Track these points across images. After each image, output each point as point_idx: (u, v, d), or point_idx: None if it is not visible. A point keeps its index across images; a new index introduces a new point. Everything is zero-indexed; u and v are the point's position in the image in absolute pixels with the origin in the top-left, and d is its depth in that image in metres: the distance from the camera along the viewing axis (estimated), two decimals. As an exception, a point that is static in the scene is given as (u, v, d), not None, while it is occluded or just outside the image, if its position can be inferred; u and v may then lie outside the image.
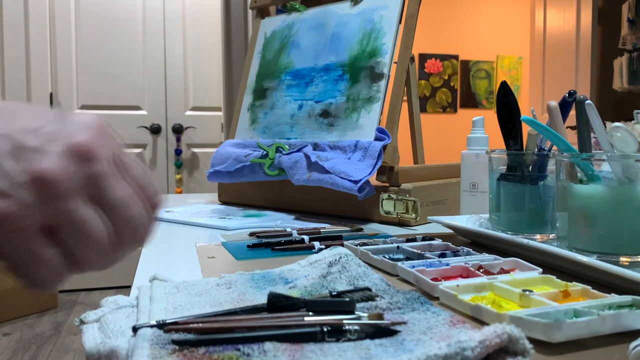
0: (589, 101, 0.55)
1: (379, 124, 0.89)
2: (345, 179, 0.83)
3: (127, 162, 0.30)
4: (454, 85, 4.84)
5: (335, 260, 0.50)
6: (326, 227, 0.78)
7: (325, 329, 0.33)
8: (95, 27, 3.07)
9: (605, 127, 0.55)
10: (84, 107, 3.16)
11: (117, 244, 0.30)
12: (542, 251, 0.53)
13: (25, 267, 0.27)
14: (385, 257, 0.55)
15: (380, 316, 0.37)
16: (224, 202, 1.13)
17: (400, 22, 0.94)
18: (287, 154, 0.94)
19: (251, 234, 0.75)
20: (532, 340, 0.31)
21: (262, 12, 1.20)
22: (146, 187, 0.31)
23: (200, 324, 0.35)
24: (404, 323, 0.36)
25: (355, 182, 0.82)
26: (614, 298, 0.39)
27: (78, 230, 0.28)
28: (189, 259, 0.62)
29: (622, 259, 0.51)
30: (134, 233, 0.30)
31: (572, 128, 0.64)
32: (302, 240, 0.67)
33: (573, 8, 3.44)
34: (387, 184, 0.87)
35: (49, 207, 0.27)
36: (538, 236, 0.62)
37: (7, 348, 2.27)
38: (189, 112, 3.37)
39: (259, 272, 0.50)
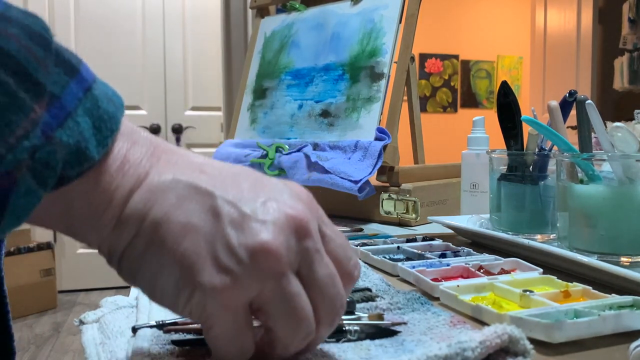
0: (589, 101, 0.55)
1: (379, 124, 0.89)
2: (346, 179, 0.83)
3: (329, 235, 0.29)
4: (454, 85, 4.84)
5: (335, 260, 0.50)
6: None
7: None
8: (95, 27, 3.07)
9: (606, 127, 0.55)
10: (84, 107, 3.15)
11: (316, 325, 0.27)
12: (542, 251, 0.53)
13: (223, 340, 0.26)
14: (385, 258, 0.55)
15: (380, 316, 0.37)
16: (224, 202, 1.12)
17: (400, 22, 0.94)
18: (287, 154, 0.94)
19: (251, 234, 0.74)
20: (532, 341, 0.31)
21: (262, 12, 1.20)
22: (345, 262, 0.29)
23: (199, 325, 0.35)
24: (404, 323, 0.36)
25: (356, 182, 0.82)
26: (615, 298, 0.39)
27: (287, 308, 0.26)
28: (189, 259, 0.62)
29: (623, 259, 0.51)
30: (334, 314, 0.28)
31: (572, 128, 0.64)
32: (302, 240, 0.67)
33: (573, 8, 3.44)
34: (387, 184, 0.87)
35: (266, 282, 0.25)
36: (539, 236, 0.62)
37: (7, 348, 2.27)
38: (188, 112, 3.38)
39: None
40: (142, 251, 0.26)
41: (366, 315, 0.36)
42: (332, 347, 0.33)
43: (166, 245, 0.25)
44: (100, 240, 0.27)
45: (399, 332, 0.35)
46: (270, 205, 0.27)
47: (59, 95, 0.23)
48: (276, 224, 0.26)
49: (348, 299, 0.38)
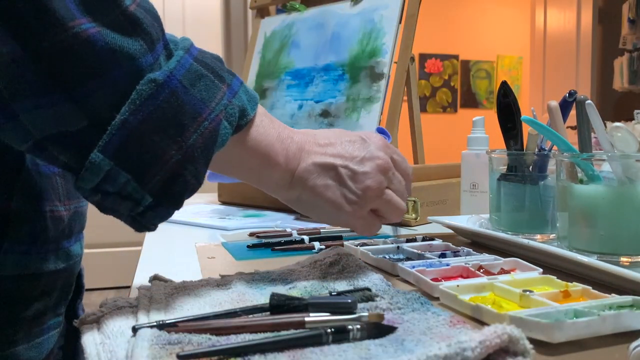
0: (589, 101, 0.55)
1: (379, 124, 0.89)
2: (345, 179, 0.83)
3: (396, 159, 0.51)
4: (454, 85, 4.84)
5: (335, 260, 0.50)
6: (326, 227, 0.77)
7: (329, 330, 0.33)
8: (95, 27, 3.08)
9: (606, 127, 0.55)
10: (84, 107, 3.15)
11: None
12: (542, 251, 0.53)
13: (363, 230, 0.50)
14: (385, 258, 0.55)
15: (380, 316, 0.37)
16: (224, 202, 1.13)
17: (400, 22, 0.94)
18: (287, 154, 0.94)
19: (251, 234, 0.75)
20: (532, 341, 0.31)
21: (262, 12, 1.20)
22: (407, 171, 0.52)
23: (200, 325, 0.35)
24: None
25: (355, 182, 0.82)
26: (615, 298, 0.39)
27: (391, 206, 0.49)
28: (189, 259, 0.62)
29: (623, 259, 0.51)
30: (405, 198, 0.52)
31: (572, 128, 0.64)
32: (302, 241, 0.67)
33: (573, 8, 3.45)
34: (387, 184, 0.87)
35: (374, 202, 0.48)
36: (538, 236, 0.62)
37: (7, 348, 2.27)
38: (189, 112, 3.37)
39: (259, 272, 0.50)
40: (306, 199, 0.48)
41: (366, 315, 0.36)
42: (332, 347, 0.33)
43: (321, 196, 0.47)
44: (278, 194, 0.49)
45: (396, 328, 0.35)
46: (366, 162, 0.48)
47: (230, 83, 0.42)
48: (371, 172, 0.48)
49: (348, 299, 0.38)
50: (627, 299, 0.39)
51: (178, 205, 0.40)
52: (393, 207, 0.50)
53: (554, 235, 0.61)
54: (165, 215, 0.40)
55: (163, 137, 0.36)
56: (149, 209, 0.38)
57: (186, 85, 0.37)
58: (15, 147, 0.36)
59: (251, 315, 0.38)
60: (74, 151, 0.36)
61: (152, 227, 0.41)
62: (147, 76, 0.36)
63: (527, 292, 0.40)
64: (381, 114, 0.90)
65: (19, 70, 0.33)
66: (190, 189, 0.39)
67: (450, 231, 0.73)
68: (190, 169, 0.38)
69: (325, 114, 0.97)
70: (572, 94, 0.62)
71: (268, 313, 0.38)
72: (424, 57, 4.71)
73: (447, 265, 0.50)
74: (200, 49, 0.43)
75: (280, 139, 0.46)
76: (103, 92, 0.35)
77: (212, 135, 0.39)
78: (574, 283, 0.43)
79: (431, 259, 0.53)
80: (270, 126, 0.46)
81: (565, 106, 0.62)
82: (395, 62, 0.92)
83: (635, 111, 1.06)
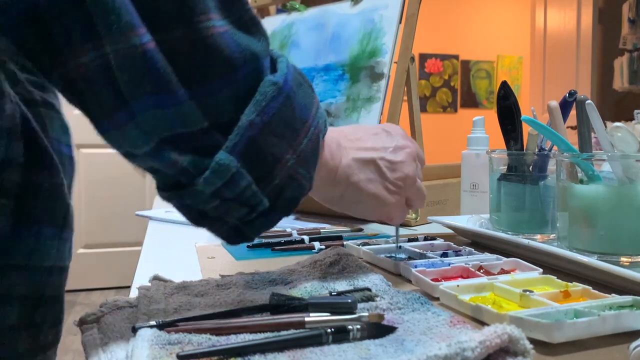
0: (589, 101, 0.55)
1: (379, 124, 0.89)
2: (346, 179, 0.83)
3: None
4: (454, 85, 4.84)
5: (335, 260, 0.50)
6: (326, 228, 0.77)
7: (329, 330, 0.33)
8: (96, 27, 3.08)
9: (606, 127, 0.55)
10: (84, 107, 3.15)
11: None
12: (542, 251, 0.53)
13: (399, 220, 0.52)
14: (387, 257, 0.55)
15: (380, 316, 0.37)
16: (224, 202, 1.12)
17: (400, 22, 0.94)
18: (287, 154, 0.94)
19: (251, 234, 0.74)
20: (532, 341, 0.31)
21: (262, 12, 1.20)
22: (422, 157, 0.53)
23: (200, 325, 0.35)
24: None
25: (356, 182, 0.82)
26: (615, 298, 0.39)
27: (420, 193, 0.52)
28: (189, 259, 0.62)
29: (623, 259, 0.51)
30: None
31: (572, 128, 0.64)
32: (302, 241, 0.67)
33: (573, 8, 3.45)
34: (387, 184, 0.86)
35: (411, 189, 0.50)
36: (538, 236, 0.62)
37: (7, 348, 2.27)
38: (189, 112, 3.37)
39: (259, 272, 0.50)
40: (350, 195, 0.47)
41: (366, 315, 0.36)
42: (332, 347, 0.33)
43: (365, 191, 0.47)
44: (320, 193, 0.47)
45: (396, 328, 0.35)
46: (399, 151, 0.49)
47: (311, 121, 0.40)
48: (406, 160, 0.49)
49: (348, 299, 0.38)
50: (627, 299, 0.39)
51: (290, 210, 0.40)
52: (421, 193, 0.52)
53: (554, 235, 0.61)
54: (273, 222, 0.39)
55: (281, 141, 0.36)
56: (261, 215, 0.38)
57: (295, 90, 0.38)
58: (136, 152, 0.35)
59: (251, 315, 0.38)
60: (194, 153, 0.34)
61: (253, 238, 0.40)
62: (267, 78, 0.36)
63: (527, 292, 0.40)
64: (381, 114, 0.90)
65: (147, 64, 0.31)
66: (304, 192, 0.40)
67: (451, 231, 0.73)
68: (304, 173, 0.39)
69: (325, 114, 0.97)
70: (572, 94, 0.62)
71: (268, 313, 0.38)
72: (424, 57, 4.71)
73: (449, 264, 0.50)
74: None
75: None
76: (227, 92, 0.34)
77: (317, 141, 0.40)
78: (574, 283, 0.43)
79: (433, 258, 0.53)
80: None
81: (565, 106, 0.62)
82: (395, 62, 0.92)
83: (635, 111, 1.05)
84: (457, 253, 0.57)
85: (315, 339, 0.33)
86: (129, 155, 0.35)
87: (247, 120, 0.34)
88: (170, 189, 0.37)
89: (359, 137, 0.49)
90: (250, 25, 0.35)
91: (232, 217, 0.37)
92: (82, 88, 0.32)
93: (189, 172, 0.35)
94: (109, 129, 0.33)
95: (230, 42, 0.33)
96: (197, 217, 0.38)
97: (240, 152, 0.34)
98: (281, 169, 0.37)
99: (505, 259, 0.52)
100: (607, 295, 0.41)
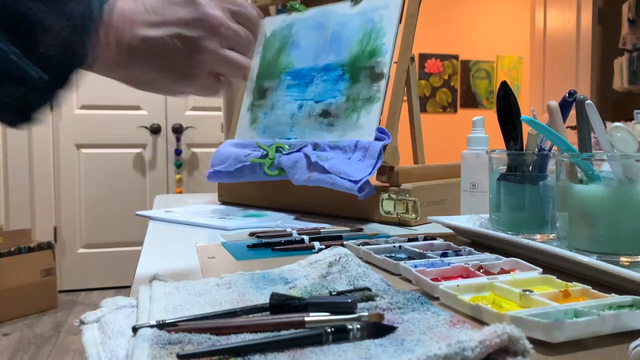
0: (589, 101, 0.55)
1: (379, 124, 0.89)
2: (346, 179, 0.83)
3: (234, 10, 0.47)
4: (454, 85, 4.84)
5: (335, 260, 0.50)
6: (326, 227, 0.78)
7: (329, 330, 0.33)
8: (95, 27, 3.07)
9: (606, 127, 0.55)
10: (83, 107, 3.15)
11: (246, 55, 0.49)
12: (542, 251, 0.53)
13: (204, 94, 0.48)
14: (387, 257, 0.55)
15: (380, 316, 0.37)
16: (224, 202, 1.13)
17: (400, 22, 0.94)
18: (287, 154, 0.94)
19: (251, 234, 0.75)
20: (532, 341, 0.31)
21: (262, 12, 1.20)
22: (249, 17, 0.48)
23: (200, 324, 0.35)
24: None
25: (356, 182, 0.82)
26: (614, 298, 0.39)
27: (230, 65, 0.47)
28: (189, 259, 0.62)
29: (622, 259, 0.51)
30: (248, 49, 0.49)
31: (572, 128, 0.64)
32: (302, 241, 0.67)
33: (573, 8, 3.44)
34: (387, 184, 0.87)
35: (211, 67, 0.45)
36: (538, 236, 0.62)
37: (7, 348, 2.27)
38: (188, 112, 3.38)
39: (259, 272, 0.50)
40: (145, 77, 0.45)
41: (366, 314, 0.36)
42: (332, 347, 0.33)
43: (155, 74, 0.45)
44: (112, 73, 0.46)
45: (396, 328, 0.35)
46: (197, 25, 0.45)
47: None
48: (205, 35, 0.45)
49: (348, 299, 0.38)
50: (627, 298, 0.39)
51: (67, 81, 0.38)
52: (233, 65, 0.47)
53: (554, 235, 0.61)
54: (51, 96, 0.38)
55: (46, 5, 0.35)
56: (41, 90, 0.36)
57: None
58: None
59: (251, 315, 0.38)
60: None
61: (34, 116, 0.38)
62: None
63: (527, 292, 0.40)
64: (381, 114, 0.90)
65: None
66: (81, 63, 0.38)
67: (450, 231, 0.73)
68: (77, 40, 0.37)
69: (325, 114, 0.97)
70: (572, 94, 0.62)
71: (268, 313, 0.38)
72: (424, 57, 4.71)
73: (449, 264, 0.50)
74: None
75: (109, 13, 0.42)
76: None
77: (89, 5, 0.37)
78: (574, 283, 0.43)
79: (433, 258, 0.54)
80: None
81: (565, 106, 0.62)
82: (395, 62, 0.92)
83: (635, 111, 1.06)
84: (457, 253, 0.57)
85: (315, 339, 0.33)
86: None
87: None
88: None
89: (154, 8, 0.44)
90: None
91: (10, 97, 0.36)
92: None
93: None
94: None
95: None
96: None
97: (1, 23, 0.33)
98: (49, 37, 0.35)
99: (505, 258, 0.52)
100: (606, 295, 0.41)
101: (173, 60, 0.44)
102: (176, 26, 0.44)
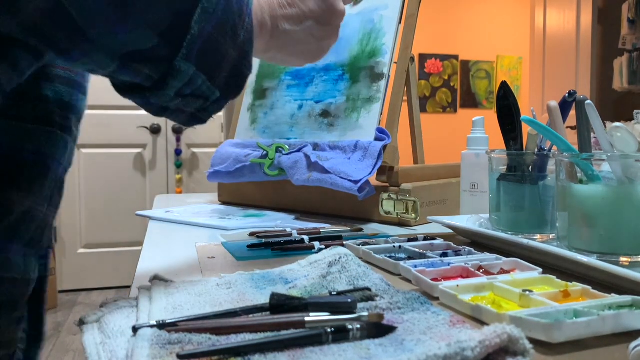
0: (589, 101, 0.55)
1: (379, 124, 0.89)
2: (346, 179, 0.83)
3: None
4: (454, 85, 4.84)
5: (335, 260, 0.50)
6: (326, 227, 0.78)
7: (329, 330, 0.33)
8: (95, 27, 3.07)
9: (605, 127, 0.55)
10: (84, 107, 3.15)
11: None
12: (542, 251, 0.53)
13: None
14: (387, 257, 0.55)
15: (380, 316, 0.37)
16: (224, 202, 1.13)
17: (400, 22, 0.94)
18: (287, 154, 0.94)
19: (251, 234, 0.75)
20: (532, 341, 0.31)
21: None
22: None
23: (200, 324, 0.35)
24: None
25: (355, 182, 0.82)
26: (614, 298, 0.39)
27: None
28: (189, 259, 0.62)
29: (622, 259, 0.51)
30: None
31: (572, 128, 0.64)
32: (302, 241, 0.67)
33: (573, 8, 3.44)
34: (387, 184, 0.87)
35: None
36: (538, 236, 0.62)
37: (7, 348, 2.27)
38: (189, 112, 3.37)
39: (258, 272, 0.50)
40: (280, 56, 0.54)
41: (366, 314, 0.36)
42: (332, 347, 0.33)
43: (292, 54, 0.55)
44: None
45: (396, 328, 0.35)
46: (326, 23, 0.54)
47: (244, 9, 0.43)
48: (333, 26, 0.56)
49: (348, 299, 0.38)
50: (627, 299, 0.39)
51: (237, 94, 0.46)
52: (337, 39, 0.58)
53: (554, 235, 0.61)
54: (222, 106, 0.46)
55: (226, 39, 0.41)
56: (214, 102, 0.45)
57: None
58: (106, 72, 0.40)
59: (251, 315, 0.38)
60: (153, 62, 0.39)
61: (206, 120, 0.47)
62: None
63: (527, 292, 0.40)
64: (381, 114, 0.90)
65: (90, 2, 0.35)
66: (247, 77, 0.46)
67: (450, 231, 0.73)
68: (244, 63, 0.44)
69: (325, 114, 0.97)
70: (571, 94, 0.62)
71: (268, 313, 0.39)
72: (424, 57, 4.71)
73: (449, 264, 0.50)
74: None
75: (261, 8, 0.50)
76: (167, 10, 0.38)
77: (251, 29, 0.44)
78: (574, 283, 0.43)
79: (433, 258, 0.54)
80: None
81: (565, 106, 0.62)
82: (395, 62, 0.92)
83: (635, 111, 1.06)
84: (457, 253, 0.57)
85: (315, 339, 0.33)
86: (108, 75, 0.41)
87: (198, 28, 0.39)
88: (133, 91, 0.42)
89: (290, 9, 0.51)
90: None
91: (190, 108, 0.45)
92: (44, 28, 0.35)
93: (152, 78, 0.40)
94: (79, 57, 0.38)
95: None
96: (159, 110, 0.45)
97: (195, 57, 0.40)
98: (227, 64, 0.43)
99: (504, 258, 0.52)
100: (606, 295, 0.41)
101: (306, 47, 0.54)
102: (310, 19, 0.52)
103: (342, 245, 0.63)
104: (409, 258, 0.56)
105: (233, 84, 0.45)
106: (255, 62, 1.15)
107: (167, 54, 0.39)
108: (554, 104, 0.59)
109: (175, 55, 0.39)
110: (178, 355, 0.31)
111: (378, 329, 0.35)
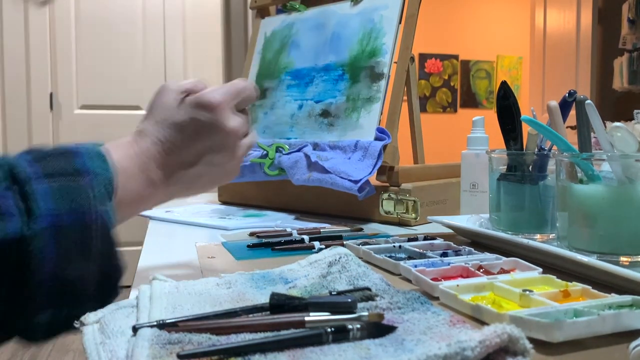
0: (589, 101, 0.55)
1: (379, 124, 0.89)
2: (345, 178, 0.83)
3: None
4: (454, 85, 4.84)
5: (335, 260, 0.50)
6: (326, 227, 0.78)
7: (329, 329, 0.33)
8: (95, 27, 3.07)
9: (605, 127, 0.55)
10: (83, 106, 3.15)
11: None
12: (542, 251, 0.53)
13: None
14: (387, 257, 0.55)
15: (380, 316, 0.37)
16: (224, 202, 1.13)
17: (400, 22, 0.94)
18: (287, 153, 0.94)
19: (251, 234, 0.75)
20: (532, 340, 0.31)
21: (262, 12, 1.20)
22: (248, 99, 0.53)
23: (200, 324, 0.35)
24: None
25: (355, 182, 0.82)
26: (614, 298, 0.39)
27: (245, 148, 0.53)
28: (189, 259, 0.62)
29: (622, 258, 0.51)
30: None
31: (572, 128, 0.64)
32: (302, 240, 0.67)
33: (573, 8, 3.44)
34: (387, 184, 0.87)
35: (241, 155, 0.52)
36: (538, 236, 0.62)
37: (7, 348, 2.27)
38: (189, 112, 3.37)
39: (258, 272, 0.50)
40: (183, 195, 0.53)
41: (366, 314, 0.36)
42: (332, 347, 0.33)
43: (197, 192, 0.54)
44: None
45: (396, 327, 0.35)
46: (222, 150, 0.51)
47: (82, 168, 0.40)
48: (229, 152, 0.52)
49: (348, 299, 0.38)
50: (627, 298, 0.39)
51: (116, 296, 0.42)
52: (249, 150, 0.55)
53: (554, 235, 0.61)
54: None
55: (78, 263, 0.38)
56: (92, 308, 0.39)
57: (60, 211, 0.37)
58: None
59: (251, 315, 0.38)
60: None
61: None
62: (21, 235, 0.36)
63: (527, 292, 0.40)
64: (381, 114, 0.90)
65: None
66: (120, 276, 0.42)
67: (450, 231, 0.73)
68: (110, 266, 0.40)
69: (325, 114, 0.97)
70: (572, 94, 0.62)
71: (268, 313, 0.39)
72: (424, 57, 4.71)
73: (449, 264, 0.50)
74: (39, 155, 0.40)
75: (142, 173, 0.47)
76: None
77: (106, 227, 0.39)
78: (574, 283, 0.43)
79: (433, 257, 0.54)
80: (128, 166, 0.46)
81: (565, 106, 0.62)
82: (395, 62, 0.92)
83: (635, 111, 1.05)
84: (457, 253, 0.57)
85: (315, 339, 0.33)
86: None
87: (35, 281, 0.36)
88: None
89: (171, 140, 0.48)
90: None
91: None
92: None
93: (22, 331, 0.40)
94: None
95: None
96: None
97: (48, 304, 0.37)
98: (88, 282, 0.39)
99: (504, 258, 0.52)
100: (606, 294, 0.41)
101: (212, 176, 0.51)
102: (205, 154, 0.49)
103: (342, 245, 0.63)
104: (409, 258, 0.56)
105: (108, 288, 0.41)
106: (255, 62, 1.15)
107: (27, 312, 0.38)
108: (554, 103, 0.59)
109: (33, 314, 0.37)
110: (178, 355, 0.31)
111: (378, 329, 0.35)
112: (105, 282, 0.40)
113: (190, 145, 0.48)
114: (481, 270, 0.49)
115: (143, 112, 0.55)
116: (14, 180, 0.37)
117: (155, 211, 0.97)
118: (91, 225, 0.38)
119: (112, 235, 0.40)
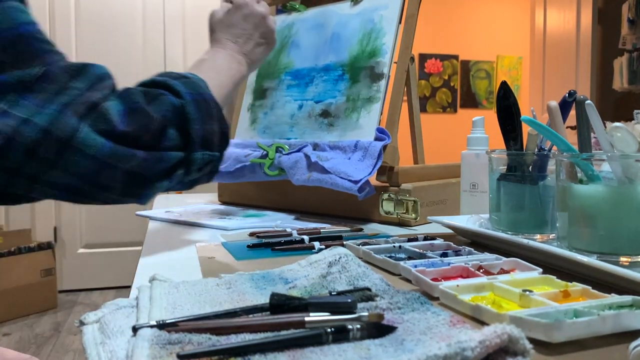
0: (589, 101, 0.55)
1: (379, 124, 0.89)
2: (345, 179, 0.83)
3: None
4: (454, 85, 4.84)
5: (335, 260, 0.50)
6: (326, 227, 0.78)
7: (329, 330, 0.33)
8: (95, 27, 3.07)
9: (605, 127, 0.55)
10: (84, 107, 3.15)
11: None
12: (542, 251, 0.53)
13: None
14: (387, 257, 0.55)
15: (380, 316, 0.37)
16: (224, 202, 1.13)
17: (400, 22, 0.94)
18: (287, 154, 0.94)
19: (251, 234, 0.75)
20: (532, 340, 0.31)
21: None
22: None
23: (200, 324, 0.35)
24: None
25: (355, 182, 0.82)
26: (614, 298, 0.39)
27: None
28: (189, 259, 0.62)
29: (622, 259, 0.51)
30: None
31: (572, 128, 0.64)
32: (302, 241, 0.67)
33: (573, 8, 3.44)
34: (387, 184, 0.87)
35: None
36: (538, 236, 0.62)
37: (7, 348, 2.27)
38: (189, 112, 3.37)
39: (258, 272, 0.50)
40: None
41: (366, 314, 0.36)
42: (332, 347, 0.33)
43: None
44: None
45: (396, 328, 0.35)
46: (258, 27, 0.79)
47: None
48: (257, 22, 0.80)
49: (348, 299, 0.38)
50: (627, 298, 0.39)
51: (227, 146, 0.61)
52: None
53: (554, 235, 0.61)
54: (221, 161, 0.61)
55: (209, 122, 0.58)
56: (218, 160, 0.60)
57: (192, 92, 0.58)
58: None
59: (251, 315, 0.38)
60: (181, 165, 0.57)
61: (218, 171, 0.63)
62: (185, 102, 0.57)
63: (527, 292, 0.40)
64: (381, 114, 0.90)
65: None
66: (229, 133, 0.61)
67: (450, 231, 0.73)
68: (225, 126, 0.60)
69: (325, 114, 0.97)
70: (571, 94, 0.62)
71: (268, 313, 0.39)
72: (424, 57, 4.71)
73: (449, 264, 0.50)
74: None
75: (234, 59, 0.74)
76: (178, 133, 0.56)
77: (216, 103, 0.60)
78: (574, 283, 0.43)
79: (433, 258, 0.54)
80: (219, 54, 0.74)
81: (565, 106, 0.62)
82: (395, 62, 0.92)
83: (635, 111, 1.05)
84: (457, 253, 0.57)
85: (315, 339, 0.33)
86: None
87: (195, 131, 0.56)
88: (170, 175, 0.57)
89: (237, 37, 0.76)
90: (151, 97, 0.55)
91: (206, 171, 0.60)
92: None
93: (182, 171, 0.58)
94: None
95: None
96: (190, 184, 0.60)
97: (200, 145, 0.57)
98: (216, 136, 0.59)
99: (504, 258, 0.52)
100: (606, 295, 0.41)
101: (266, 49, 0.78)
102: (255, 31, 0.76)
103: (342, 245, 0.63)
104: (409, 258, 0.56)
105: (224, 143, 0.60)
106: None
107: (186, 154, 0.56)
108: (554, 104, 0.59)
109: (192, 151, 0.56)
110: (178, 355, 0.31)
111: (378, 329, 0.35)
112: (222, 137, 0.59)
113: (247, 28, 0.76)
114: (481, 271, 0.49)
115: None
116: (156, 84, 0.57)
117: (155, 211, 0.97)
118: (209, 101, 0.59)
119: (221, 108, 0.60)
